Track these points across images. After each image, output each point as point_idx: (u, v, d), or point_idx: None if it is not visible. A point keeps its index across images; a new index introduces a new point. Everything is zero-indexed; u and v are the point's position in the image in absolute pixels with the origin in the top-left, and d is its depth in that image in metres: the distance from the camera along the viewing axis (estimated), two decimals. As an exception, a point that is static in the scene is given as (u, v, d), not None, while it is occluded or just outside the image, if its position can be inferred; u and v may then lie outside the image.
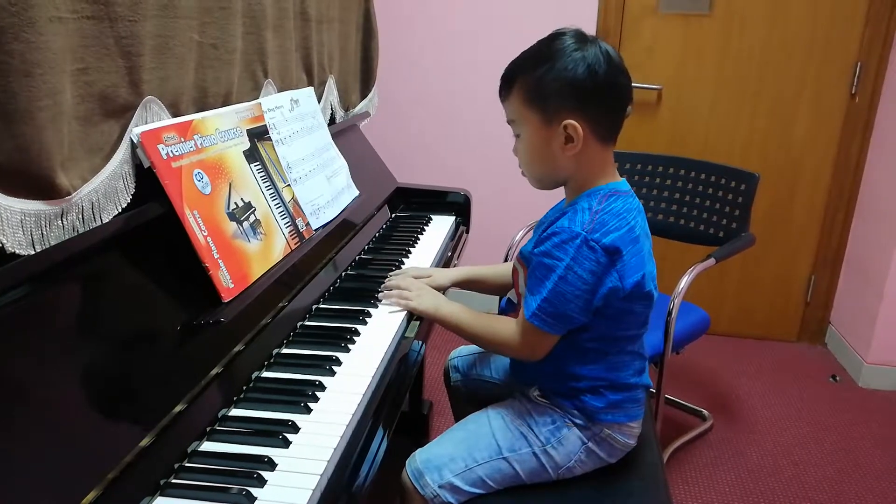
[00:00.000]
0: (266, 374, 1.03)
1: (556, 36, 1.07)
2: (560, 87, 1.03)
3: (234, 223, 1.08)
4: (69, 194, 0.82)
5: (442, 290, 1.35)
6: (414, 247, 1.61)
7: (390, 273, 1.37)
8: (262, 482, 0.78)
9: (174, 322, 0.93)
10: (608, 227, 1.04)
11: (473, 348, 1.47)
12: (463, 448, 1.16)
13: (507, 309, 1.32)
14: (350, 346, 1.11)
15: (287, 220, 1.25)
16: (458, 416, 1.51)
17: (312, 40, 1.58)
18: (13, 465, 0.65)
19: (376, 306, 1.25)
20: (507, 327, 1.13)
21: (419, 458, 1.16)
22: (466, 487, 1.13)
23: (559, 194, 1.18)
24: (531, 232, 1.42)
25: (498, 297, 1.42)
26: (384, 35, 2.08)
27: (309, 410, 0.93)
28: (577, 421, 1.14)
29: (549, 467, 1.14)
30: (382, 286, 1.30)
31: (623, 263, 1.04)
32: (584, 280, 1.03)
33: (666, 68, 2.61)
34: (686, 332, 1.89)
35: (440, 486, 1.12)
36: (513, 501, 1.15)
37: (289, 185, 1.30)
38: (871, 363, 2.50)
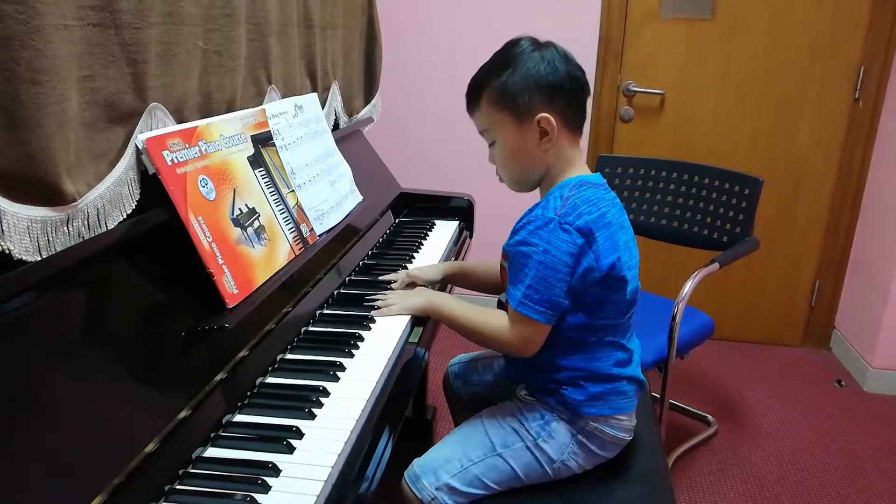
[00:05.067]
0: (270, 379, 1.03)
1: (513, 44, 1.16)
2: (527, 86, 1.09)
3: (239, 229, 1.08)
4: (75, 201, 0.83)
5: (434, 283, 1.37)
6: (418, 252, 1.61)
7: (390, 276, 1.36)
8: (266, 488, 0.78)
9: (178, 328, 0.93)
10: (580, 210, 1.08)
11: (474, 354, 1.47)
12: (458, 449, 1.17)
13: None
14: (354, 351, 1.11)
15: (291, 225, 1.26)
16: (458, 422, 1.50)
17: (316, 47, 1.59)
18: (19, 471, 0.65)
19: (380, 311, 1.25)
20: (500, 320, 1.14)
21: (416, 464, 1.17)
22: (464, 488, 1.13)
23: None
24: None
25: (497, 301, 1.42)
26: (388, 41, 2.08)
27: (313, 416, 0.93)
28: (563, 416, 1.15)
29: (543, 462, 1.15)
30: (372, 312, 1.24)
31: (597, 245, 1.07)
32: (565, 262, 1.06)
33: (669, 73, 2.61)
34: (690, 336, 1.88)
35: (437, 489, 1.13)
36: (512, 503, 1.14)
37: (293, 190, 1.31)
38: (877, 368, 2.49)
